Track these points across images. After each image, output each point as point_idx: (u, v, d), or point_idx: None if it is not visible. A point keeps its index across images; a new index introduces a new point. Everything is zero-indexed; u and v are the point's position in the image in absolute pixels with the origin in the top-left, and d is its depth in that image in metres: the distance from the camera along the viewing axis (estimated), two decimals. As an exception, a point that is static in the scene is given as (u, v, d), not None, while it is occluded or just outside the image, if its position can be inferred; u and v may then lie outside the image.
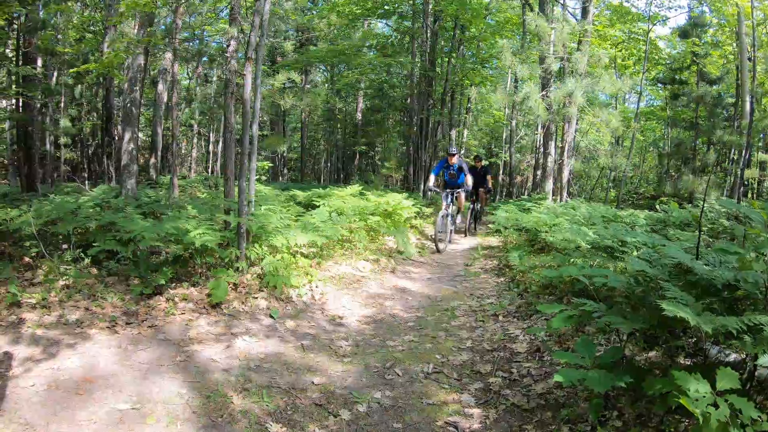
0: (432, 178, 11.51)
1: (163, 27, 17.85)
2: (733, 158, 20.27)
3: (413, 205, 11.25)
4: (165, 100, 17.60)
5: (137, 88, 10.53)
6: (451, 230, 11.53)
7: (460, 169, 11.36)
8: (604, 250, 5.98)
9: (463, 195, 11.62)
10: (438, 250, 10.43)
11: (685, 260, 3.33)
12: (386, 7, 21.12)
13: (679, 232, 7.18)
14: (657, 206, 11.54)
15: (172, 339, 4.67)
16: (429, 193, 14.09)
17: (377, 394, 4.00)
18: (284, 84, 17.16)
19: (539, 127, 18.68)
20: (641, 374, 3.21)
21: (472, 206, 13.81)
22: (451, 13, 20.67)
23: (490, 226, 12.76)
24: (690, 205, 13.53)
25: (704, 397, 2.48)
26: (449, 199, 11.11)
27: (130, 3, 7.19)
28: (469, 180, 11.20)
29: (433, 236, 10.99)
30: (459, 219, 12.62)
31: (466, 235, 12.94)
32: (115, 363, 4.10)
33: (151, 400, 3.61)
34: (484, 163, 16.06)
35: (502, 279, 7.95)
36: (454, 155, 11.30)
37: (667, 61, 23.90)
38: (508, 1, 23.37)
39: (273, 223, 6.82)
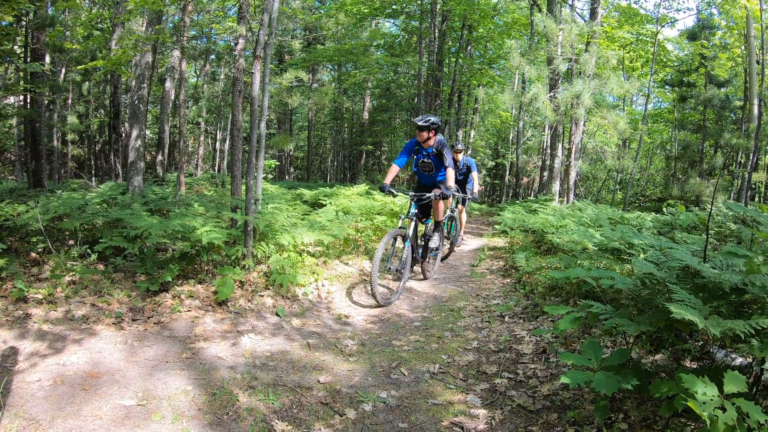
0: (393, 171, 7.19)
1: (171, 25, 17.92)
2: (740, 161, 20.22)
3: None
4: (172, 97, 17.64)
5: (145, 85, 10.56)
6: (409, 267, 7.03)
7: (440, 156, 7.23)
8: (611, 252, 5.96)
9: (441, 203, 7.34)
10: (377, 302, 6.31)
11: (693, 263, 3.32)
12: (394, 7, 21.14)
13: (686, 235, 7.15)
14: (664, 209, 11.49)
15: (178, 336, 4.68)
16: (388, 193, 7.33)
17: (383, 394, 3.99)
18: (292, 83, 17.23)
19: (546, 129, 18.68)
20: (648, 377, 3.21)
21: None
22: (459, 13, 20.70)
23: (496, 227, 12.66)
24: (697, 208, 13.48)
25: (711, 400, 2.47)
26: (413, 209, 7.06)
27: (138, 1, 7.21)
28: (451, 175, 7.07)
29: (370, 276, 6.27)
30: (436, 241, 7.76)
31: (425, 277, 7.98)
32: (120, 359, 4.11)
33: (156, 397, 3.62)
34: (465, 156, 10.69)
35: (508, 280, 7.93)
36: (428, 129, 7.01)
37: (675, 64, 23.86)
38: (517, 2, 23.36)
39: (280, 222, 6.82)
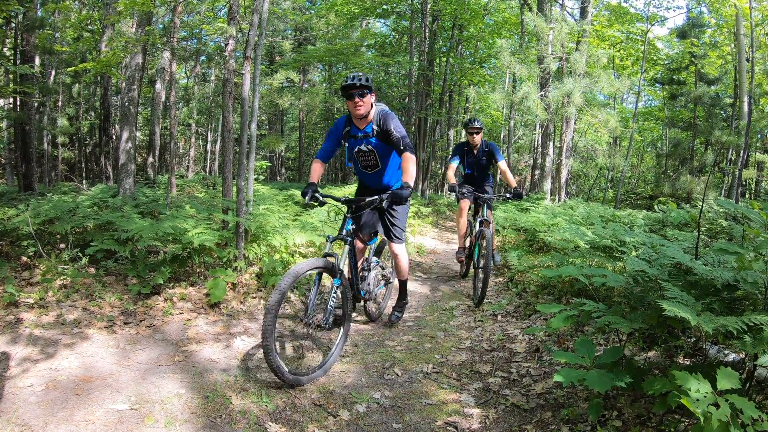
0: (316, 170, 4.98)
1: (161, 26, 17.87)
2: (730, 159, 20.33)
3: (411, 205, 11.13)
4: (163, 99, 17.59)
5: (135, 87, 10.51)
6: (348, 320, 4.69)
7: (386, 137, 4.78)
8: (602, 249, 5.98)
9: (403, 211, 5.26)
10: (282, 379, 3.86)
11: (685, 260, 3.34)
12: (384, 7, 21.10)
13: (677, 233, 7.18)
14: (655, 206, 11.53)
15: (170, 339, 4.66)
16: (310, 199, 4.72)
17: (376, 394, 3.99)
18: (282, 83, 17.18)
19: (537, 127, 18.74)
20: (641, 374, 3.22)
21: (469, 228, 7.62)
22: (449, 13, 20.69)
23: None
24: (688, 205, 13.55)
25: (705, 396, 2.47)
26: (349, 225, 4.72)
27: (128, 2, 7.18)
28: (412, 165, 4.60)
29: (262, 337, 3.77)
30: (380, 292, 5.99)
31: (370, 319, 5.83)
32: (113, 363, 4.08)
33: (149, 401, 3.59)
34: (483, 138, 7.79)
35: (500, 279, 7.95)
36: (364, 91, 4.60)
37: (666, 62, 23.96)
38: (507, 1, 23.39)
39: (271, 223, 6.81)
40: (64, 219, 6.25)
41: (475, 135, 7.45)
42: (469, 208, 7.69)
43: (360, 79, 4.52)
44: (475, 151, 7.59)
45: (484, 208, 7.19)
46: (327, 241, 4.58)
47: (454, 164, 7.64)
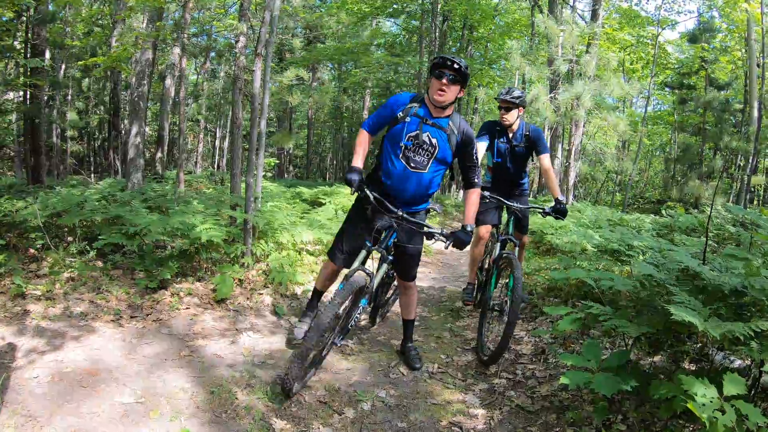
0: (363, 141, 4.06)
1: (171, 22, 17.92)
2: (739, 164, 20.23)
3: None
4: (172, 94, 17.65)
5: (145, 82, 10.56)
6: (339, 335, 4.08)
7: (460, 147, 3.97)
8: (610, 253, 5.95)
9: (414, 274, 4.48)
10: (286, 388, 3.65)
11: (692, 265, 3.33)
12: (395, 6, 21.10)
13: (685, 238, 7.15)
14: (663, 211, 11.50)
15: (176, 333, 4.68)
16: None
17: (382, 393, 3.99)
18: (292, 81, 17.19)
19: (546, 129, 18.70)
20: (646, 379, 3.21)
21: (491, 251, 5.60)
22: (460, 14, 20.69)
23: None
24: (696, 210, 13.49)
25: (711, 402, 2.47)
26: (393, 238, 4.16)
27: (140, -3, 7.20)
28: (475, 208, 4.10)
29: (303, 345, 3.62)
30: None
31: (373, 323, 5.47)
32: (119, 356, 4.10)
33: (155, 394, 3.61)
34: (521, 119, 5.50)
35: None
36: (453, 77, 3.73)
37: (676, 66, 23.87)
38: (517, 3, 23.36)
39: (279, 220, 6.81)
40: (72, 212, 6.26)
41: (504, 112, 5.27)
42: (492, 235, 5.69)
43: (460, 64, 3.72)
44: (511, 134, 5.43)
45: (510, 222, 5.45)
46: (364, 250, 4.06)
47: (482, 146, 5.30)
